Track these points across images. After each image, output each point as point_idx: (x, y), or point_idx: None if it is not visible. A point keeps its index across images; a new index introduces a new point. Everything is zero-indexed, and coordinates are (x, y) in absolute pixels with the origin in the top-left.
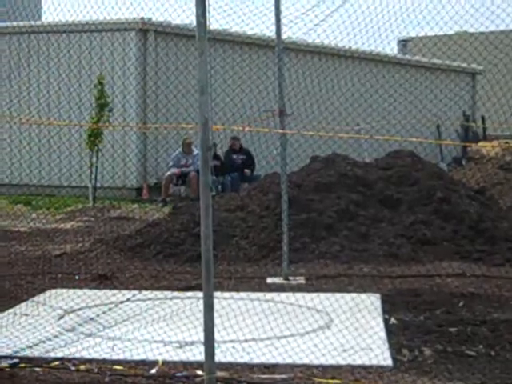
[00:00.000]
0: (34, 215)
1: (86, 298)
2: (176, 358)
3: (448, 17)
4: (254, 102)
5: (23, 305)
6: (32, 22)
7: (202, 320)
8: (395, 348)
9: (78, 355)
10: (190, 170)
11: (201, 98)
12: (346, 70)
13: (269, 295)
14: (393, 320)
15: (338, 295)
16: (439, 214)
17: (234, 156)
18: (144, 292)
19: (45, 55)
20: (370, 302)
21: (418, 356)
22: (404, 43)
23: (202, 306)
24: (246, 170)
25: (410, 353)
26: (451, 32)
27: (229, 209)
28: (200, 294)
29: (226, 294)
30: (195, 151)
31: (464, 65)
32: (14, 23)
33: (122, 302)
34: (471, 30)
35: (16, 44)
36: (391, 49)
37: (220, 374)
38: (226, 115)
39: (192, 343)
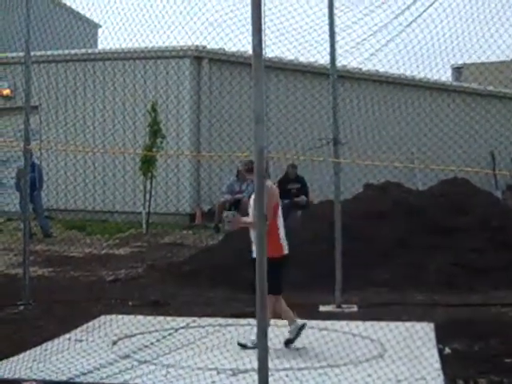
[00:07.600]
0: (88, 241)
1: (139, 325)
2: None
3: (505, 45)
4: (309, 131)
5: (78, 330)
6: (88, 50)
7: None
8: (450, 378)
9: (131, 382)
10: (244, 196)
11: (256, 127)
12: (401, 98)
13: (322, 323)
14: (447, 350)
15: (391, 324)
16: (494, 242)
17: (289, 185)
18: (198, 319)
19: (100, 82)
20: (424, 331)
21: None
22: (459, 70)
23: (255, 334)
24: (299, 198)
25: (465, 383)
26: (507, 59)
27: None
28: (253, 322)
29: (280, 322)
30: None
31: None
32: (72, 51)
33: (176, 330)
34: None
35: (72, 71)
36: (447, 77)
37: None
38: (280, 144)
39: (246, 371)
